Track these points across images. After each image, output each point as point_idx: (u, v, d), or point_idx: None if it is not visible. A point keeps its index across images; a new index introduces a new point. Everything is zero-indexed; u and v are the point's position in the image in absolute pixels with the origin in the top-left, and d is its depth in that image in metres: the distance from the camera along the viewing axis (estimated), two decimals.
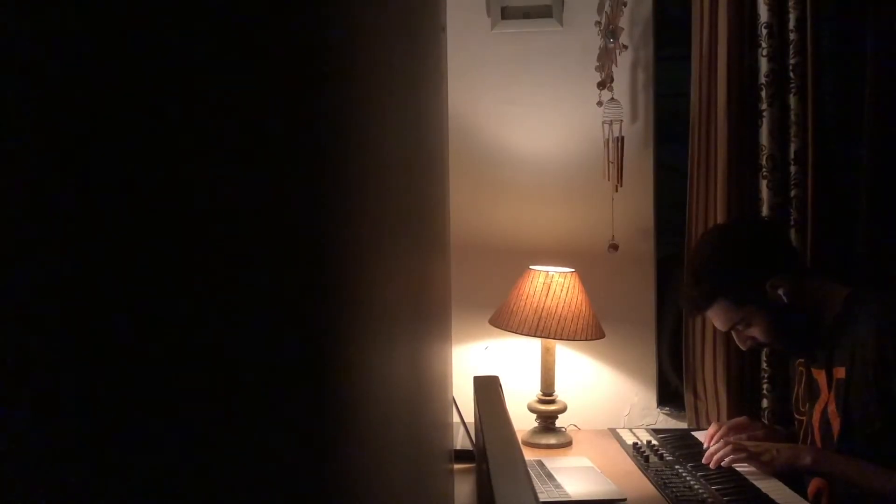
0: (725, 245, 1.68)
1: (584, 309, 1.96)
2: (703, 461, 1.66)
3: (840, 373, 1.54)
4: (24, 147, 0.15)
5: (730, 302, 1.62)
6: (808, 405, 1.67)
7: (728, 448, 1.60)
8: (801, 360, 1.72)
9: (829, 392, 1.57)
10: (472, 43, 2.21)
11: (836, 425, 1.54)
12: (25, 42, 0.15)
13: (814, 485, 1.60)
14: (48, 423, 0.16)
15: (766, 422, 1.95)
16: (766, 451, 1.57)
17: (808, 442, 1.64)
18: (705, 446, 1.79)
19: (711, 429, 1.80)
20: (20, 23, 0.15)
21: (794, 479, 1.61)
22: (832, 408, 1.55)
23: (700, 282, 1.65)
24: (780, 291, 1.58)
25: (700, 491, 1.53)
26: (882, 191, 2.01)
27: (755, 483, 1.57)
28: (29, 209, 0.15)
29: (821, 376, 1.61)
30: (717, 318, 1.66)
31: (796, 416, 1.75)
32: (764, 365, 2.00)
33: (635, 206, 2.17)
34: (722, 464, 1.61)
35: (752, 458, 1.58)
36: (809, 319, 1.60)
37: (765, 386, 2.00)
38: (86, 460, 0.17)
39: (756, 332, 1.63)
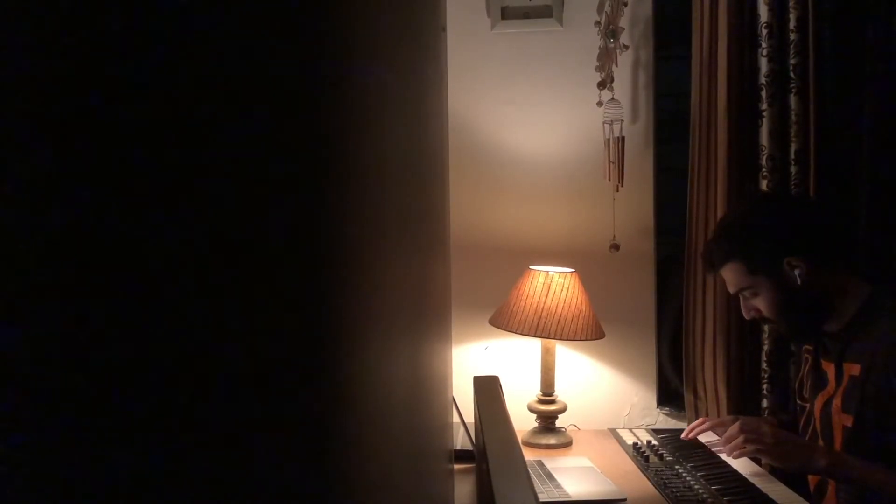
0: (757, 210, 1.67)
1: (584, 309, 1.96)
2: (721, 445, 1.62)
3: (854, 370, 1.50)
4: (26, 145, 0.15)
5: (742, 266, 1.59)
6: (811, 393, 1.65)
7: (741, 438, 1.54)
8: (809, 347, 1.69)
9: (837, 386, 1.54)
10: (472, 43, 2.21)
11: (837, 421, 1.52)
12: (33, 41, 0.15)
13: (816, 477, 1.60)
14: (46, 423, 0.16)
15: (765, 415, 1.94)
16: (780, 443, 1.51)
17: (809, 431, 1.63)
18: (686, 435, 1.78)
19: (704, 424, 1.79)
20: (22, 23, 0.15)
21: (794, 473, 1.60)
22: (837, 403, 1.53)
23: (721, 238, 1.65)
24: (797, 272, 1.54)
25: (700, 491, 1.53)
26: (883, 191, 2.01)
27: (755, 483, 1.57)
28: (28, 207, 0.15)
29: (830, 368, 1.58)
30: (728, 278, 1.64)
31: (799, 402, 1.72)
32: (764, 365, 2.00)
33: (636, 207, 2.17)
34: (734, 455, 1.55)
35: (765, 451, 1.53)
36: (822, 308, 1.57)
37: (765, 386, 1.99)
38: (82, 460, 0.17)
39: (760, 304, 1.60)
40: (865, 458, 1.44)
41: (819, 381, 1.62)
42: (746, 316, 1.67)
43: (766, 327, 1.98)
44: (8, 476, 0.15)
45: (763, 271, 1.57)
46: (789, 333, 1.74)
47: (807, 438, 1.63)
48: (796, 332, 1.68)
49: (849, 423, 1.49)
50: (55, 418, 0.16)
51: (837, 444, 1.52)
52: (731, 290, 1.65)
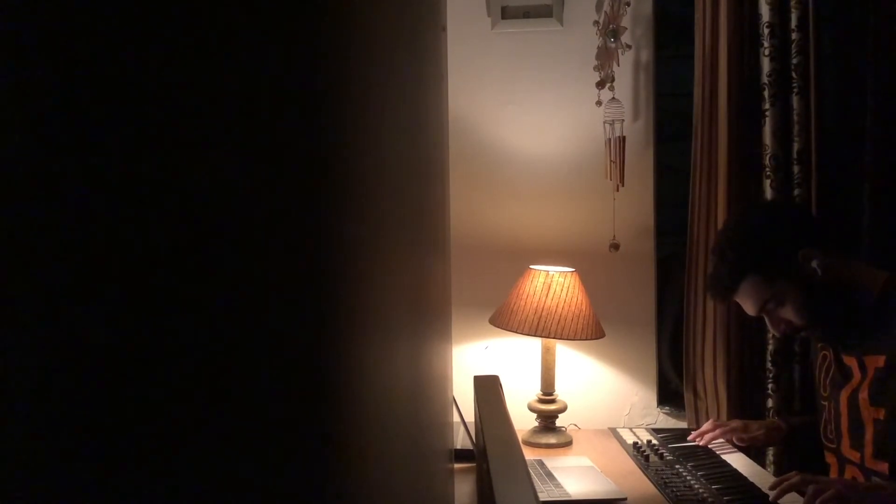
0: (753, 219, 1.62)
1: (584, 309, 1.96)
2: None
3: (878, 361, 1.45)
4: (25, 145, 0.15)
5: (760, 277, 1.53)
6: (831, 389, 1.60)
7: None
8: (823, 345, 1.64)
9: (863, 378, 1.49)
10: (472, 43, 2.21)
11: (867, 415, 1.48)
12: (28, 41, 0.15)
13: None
14: (47, 424, 0.16)
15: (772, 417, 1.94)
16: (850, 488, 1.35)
17: (832, 428, 1.59)
18: (699, 441, 1.79)
19: (707, 426, 1.81)
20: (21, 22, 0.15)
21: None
22: (864, 395, 1.48)
23: (728, 258, 1.57)
24: (814, 264, 1.49)
25: (700, 490, 1.53)
26: (885, 190, 2.01)
27: (755, 482, 1.57)
28: (29, 207, 0.15)
29: (852, 361, 1.54)
30: (747, 298, 1.57)
31: (822, 401, 1.65)
32: (769, 365, 1.99)
33: (636, 206, 2.17)
34: None
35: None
36: (847, 300, 1.50)
37: (770, 386, 1.99)
38: (82, 460, 0.17)
39: (789, 312, 1.54)
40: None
41: (842, 375, 1.57)
42: (777, 332, 1.61)
43: (769, 331, 1.97)
44: (8, 476, 0.15)
45: (782, 274, 1.52)
46: (825, 335, 1.61)
47: (832, 436, 1.59)
48: (831, 331, 1.58)
49: (881, 416, 1.45)
50: (57, 417, 0.16)
51: (868, 438, 1.48)
52: (754, 308, 1.58)
